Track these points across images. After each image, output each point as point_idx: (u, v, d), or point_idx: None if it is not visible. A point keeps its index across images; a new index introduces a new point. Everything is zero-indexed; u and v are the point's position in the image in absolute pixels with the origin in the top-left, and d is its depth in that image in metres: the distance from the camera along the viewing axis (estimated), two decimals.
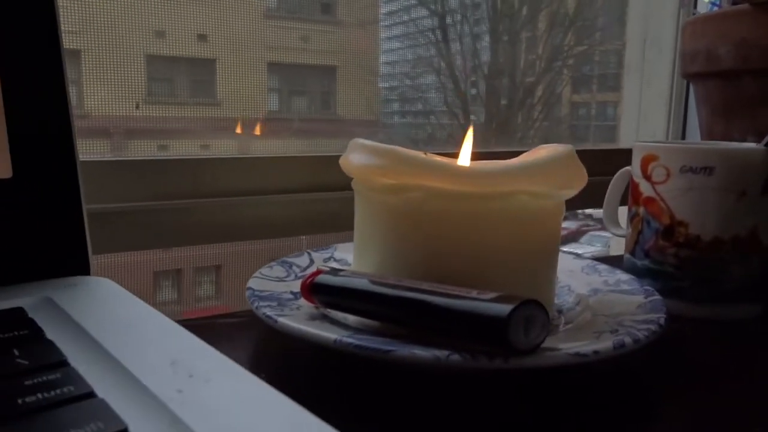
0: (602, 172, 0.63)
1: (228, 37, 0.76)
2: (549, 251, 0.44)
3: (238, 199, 0.64)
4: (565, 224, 1.70)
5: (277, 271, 0.48)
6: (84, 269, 0.40)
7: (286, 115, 0.88)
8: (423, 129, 1.09)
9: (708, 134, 0.70)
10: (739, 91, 0.65)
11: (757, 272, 0.51)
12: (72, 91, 0.70)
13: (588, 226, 1.52)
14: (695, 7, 0.91)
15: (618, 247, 0.59)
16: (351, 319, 0.40)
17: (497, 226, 0.41)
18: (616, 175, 0.61)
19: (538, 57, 1.13)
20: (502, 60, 1.09)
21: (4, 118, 0.37)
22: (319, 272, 0.41)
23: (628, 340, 0.36)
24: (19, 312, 0.32)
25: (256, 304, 0.40)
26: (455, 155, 0.46)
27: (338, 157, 0.45)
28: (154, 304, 0.81)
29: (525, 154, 0.45)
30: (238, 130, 0.78)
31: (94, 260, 0.69)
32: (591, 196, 0.63)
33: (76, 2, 0.63)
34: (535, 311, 0.33)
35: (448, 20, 1.05)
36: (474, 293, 0.34)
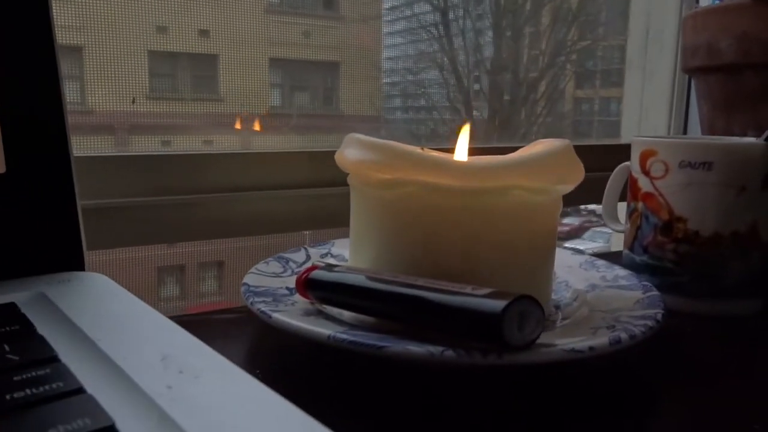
0: (603, 168, 0.62)
1: (230, 33, 0.75)
2: (546, 247, 0.44)
3: (238, 194, 0.64)
4: (567, 220, 1.71)
5: (273, 266, 0.48)
6: (78, 265, 0.40)
7: (288, 110, 0.87)
8: (425, 125, 1.09)
9: (709, 129, 0.70)
10: (740, 86, 0.64)
11: (757, 268, 0.51)
12: (75, 87, 0.71)
13: (590, 222, 1.52)
14: (697, 1, 0.90)
15: (619, 243, 0.59)
16: (346, 314, 0.40)
17: (493, 222, 0.40)
18: (615, 171, 0.61)
19: (541, 52, 1.13)
20: (505, 55, 1.09)
21: None
22: (314, 268, 0.41)
23: (624, 336, 0.35)
24: (12, 307, 0.32)
25: (251, 299, 0.40)
26: (453, 150, 0.46)
27: None
28: (158, 300, 0.82)
29: (522, 149, 0.45)
30: (240, 126, 0.78)
31: (97, 256, 0.70)
32: (592, 192, 0.63)
33: None
34: (529, 307, 0.33)
35: (451, 15, 1.05)
36: (468, 289, 0.34)
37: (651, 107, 1.06)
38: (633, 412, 0.36)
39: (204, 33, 0.75)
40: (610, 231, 0.64)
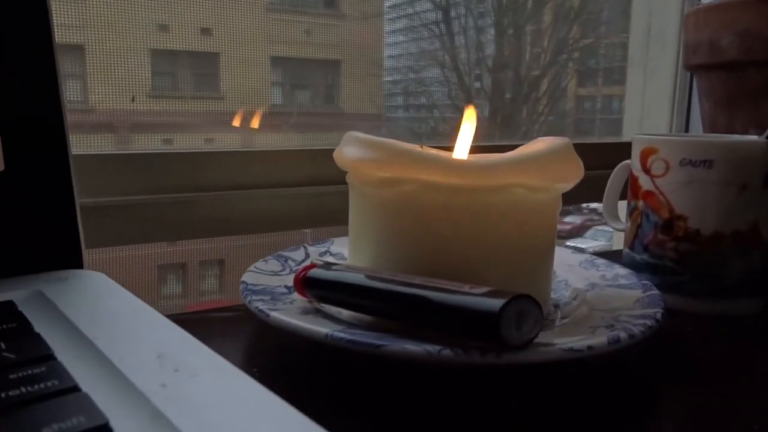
0: (605, 166, 0.62)
1: (231, 31, 0.75)
2: (545, 245, 0.44)
3: (238, 192, 0.64)
4: (569, 219, 1.70)
5: (272, 265, 0.48)
6: (77, 263, 0.40)
7: (289, 108, 0.87)
8: (426, 123, 1.09)
9: (710, 127, 0.70)
10: (742, 83, 0.64)
11: (758, 267, 0.51)
12: (76, 86, 0.71)
13: (593, 220, 1.51)
14: None
15: (621, 241, 0.59)
16: (345, 313, 0.40)
17: (492, 220, 0.40)
18: (615, 169, 0.61)
19: (543, 50, 1.12)
20: (506, 53, 1.09)
21: None
22: (312, 266, 0.41)
23: (623, 335, 0.35)
24: (9, 305, 0.32)
25: (249, 298, 0.40)
26: (453, 149, 0.46)
27: None
28: (159, 298, 0.82)
29: (522, 147, 0.45)
30: (241, 124, 0.78)
31: (98, 254, 0.70)
32: (593, 190, 0.63)
33: None
34: (527, 306, 0.33)
35: (453, 13, 1.04)
36: (466, 288, 0.34)
37: (653, 105, 1.06)
38: (633, 412, 0.36)
39: (205, 31, 0.75)
40: (612, 229, 0.64)
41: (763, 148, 0.49)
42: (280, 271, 0.47)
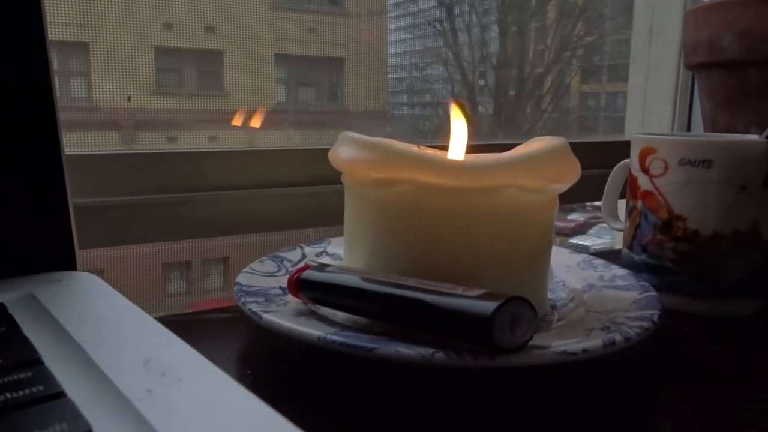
0: (606, 164, 0.62)
1: (236, 29, 0.75)
2: (541, 246, 0.43)
3: (237, 192, 0.63)
4: (572, 216, 1.70)
5: (268, 265, 0.48)
6: (70, 264, 0.40)
7: (293, 106, 0.87)
8: (431, 120, 1.09)
9: (711, 126, 0.69)
10: (742, 82, 0.64)
11: (758, 267, 0.51)
12: (81, 84, 0.71)
13: (596, 218, 1.51)
14: None
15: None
16: (340, 315, 0.40)
17: (487, 221, 0.40)
18: (615, 168, 0.60)
19: (547, 47, 1.12)
20: (510, 51, 1.09)
21: None
22: (306, 268, 0.41)
23: (618, 338, 0.35)
24: (0, 308, 0.32)
25: (242, 299, 0.40)
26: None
27: None
28: (163, 296, 0.82)
29: (519, 147, 0.45)
30: (245, 122, 0.78)
31: (102, 252, 0.70)
32: (595, 189, 0.63)
33: None
34: (521, 308, 0.33)
35: (456, 11, 1.04)
36: (460, 290, 0.34)
37: (655, 104, 1.05)
38: (630, 413, 0.36)
39: (210, 29, 0.75)
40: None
41: (763, 148, 0.49)
42: (276, 272, 0.47)
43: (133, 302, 0.67)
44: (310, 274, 0.40)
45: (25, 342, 0.28)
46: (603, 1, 1.14)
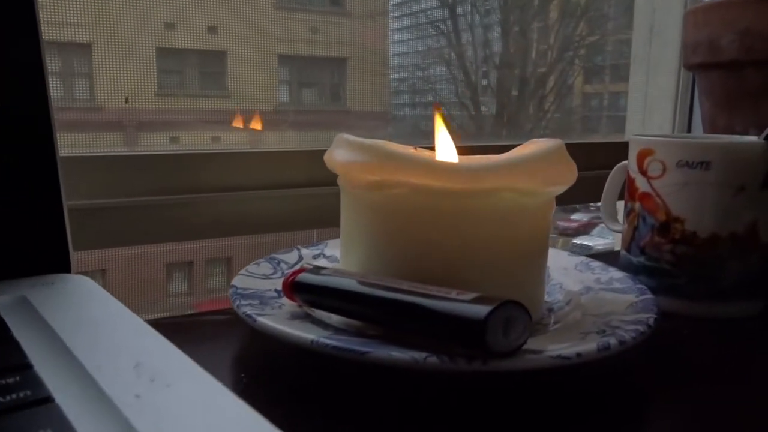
0: (606, 166, 0.62)
1: (238, 29, 0.76)
2: (537, 249, 0.43)
3: (237, 194, 0.63)
4: (575, 216, 1.70)
5: (264, 268, 0.48)
6: (65, 267, 0.40)
7: (296, 107, 0.87)
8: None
9: (710, 127, 0.69)
10: (741, 83, 0.63)
11: (756, 269, 0.50)
12: (84, 85, 0.71)
13: (599, 218, 1.51)
14: None
15: None
16: (335, 318, 0.40)
17: (482, 224, 0.40)
18: (613, 170, 0.60)
19: (550, 47, 1.12)
20: (513, 51, 1.08)
21: None
22: (300, 270, 0.41)
23: (613, 341, 0.35)
24: None
25: (237, 302, 0.40)
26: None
27: None
28: (167, 296, 0.82)
29: (515, 149, 0.44)
30: (248, 123, 0.78)
31: (105, 252, 0.70)
32: (595, 190, 0.63)
33: None
34: (515, 312, 0.33)
35: (459, 11, 1.04)
36: (453, 294, 0.34)
37: (656, 104, 1.05)
38: (628, 415, 0.36)
39: (212, 29, 0.76)
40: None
41: (761, 150, 0.49)
42: (272, 274, 0.47)
43: (136, 302, 0.67)
44: (305, 277, 0.40)
45: (16, 346, 0.28)
46: (605, 1, 1.14)
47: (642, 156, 0.52)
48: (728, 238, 0.49)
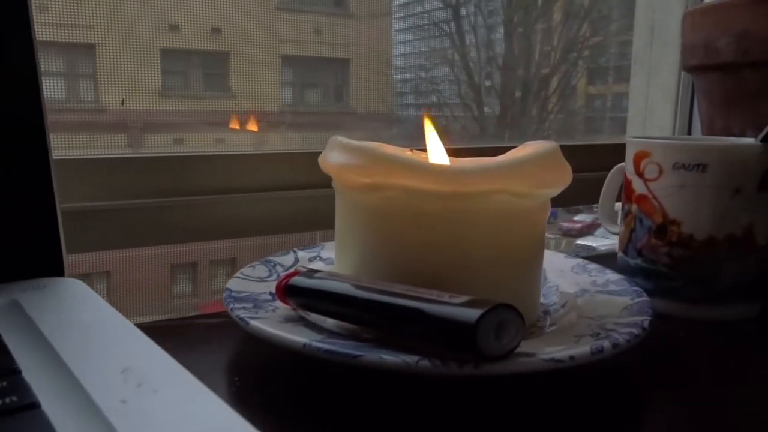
0: (606, 167, 0.62)
1: (242, 31, 0.76)
2: (532, 251, 0.43)
3: (236, 196, 0.64)
4: (579, 217, 1.69)
5: (260, 270, 0.48)
6: (58, 270, 0.40)
7: (299, 108, 0.88)
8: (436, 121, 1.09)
9: (708, 128, 0.69)
10: (739, 85, 0.63)
11: (753, 272, 0.50)
12: (88, 86, 0.71)
13: None
14: None
15: None
16: (329, 321, 0.40)
17: (476, 227, 0.40)
18: (611, 172, 0.60)
19: (553, 48, 1.12)
20: (516, 52, 1.08)
21: None
22: (294, 274, 0.41)
23: (606, 345, 0.35)
24: None
25: (231, 305, 0.40)
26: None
27: None
28: (171, 298, 0.82)
29: (510, 151, 0.44)
30: (252, 124, 0.78)
31: (108, 254, 0.70)
32: (594, 192, 0.63)
33: None
34: (507, 315, 0.33)
35: (462, 12, 1.04)
36: (446, 297, 0.34)
37: (656, 106, 1.05)
38: (624, 418, 0.36)
39: (216, 31, 0.76)
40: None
41: (758, 151, 0.49)
42: (267, 277, 0.47)
43: (141, 304, 0.67)
44: (298, 281, 0.40)
45: (5, 351, 0.28)
46: (608, 3, 1.14)
47: (639, 158, 0.52)
48: (725, 241, 0.49)
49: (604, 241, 1.47)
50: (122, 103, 0.69)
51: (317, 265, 0.51)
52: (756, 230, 0.50)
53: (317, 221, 0.67)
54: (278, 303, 0.42)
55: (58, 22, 0.62)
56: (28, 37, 0.38)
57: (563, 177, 0.42)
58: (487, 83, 1.07)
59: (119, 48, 0.68)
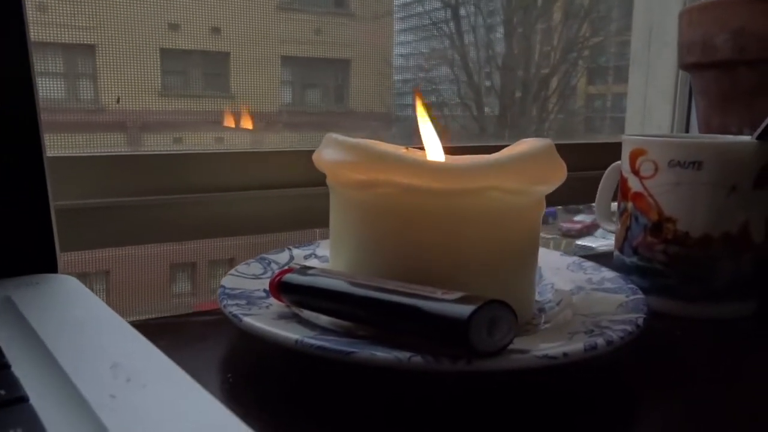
0: (605, 166, 0.61)
1: (241, 30, 0.76)
2: (526, 249, 0.43)
3: (231, 194, 0.64)
4: (579, 218, 1.69)
5: (254, 268, 0.48)
6: (51, 267, 0.40)
7: (299, 108, 0.88)
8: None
9: (705, 126, 0.69)
10: (735, 82, 0.63)
11: (749, 270, 0.50)
12: (88, 86, 0.71)
13: None
14: None
15: None
16: (323, 318, 0.40)
17: (470, 223, 0.40)
18: (607, 170, 0.60)
19: (553, 48, 1.12)
20: (516, 52, 1.08)
21: None
22: (288, 270, 0.41)
23: (600, 341, 0.35)
24: None
25: (224, 302, 0.40)
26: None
27: None
28: (170, 297, 0.82)
29: (505, 149, 0.44)
30: (251, 123, 0.78)
31: (107, 253, 0.70)
32: (591, 191, 0.63)
33: None
34: (500, 312, 0.33)
35: (462, 12, 1.04)
36: (439, 293, 0.34)
37: (655, 104, 1.05)
38: (619, 416, 0.36)
39: (216, 30, 0.76)
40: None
41: (753, 149, 0.49)
42: (262, 274, 0.47)
43: (140, 303, 0.67)
44: (292, 277, 0.40)
45: None
46: (608, 3, 1.14)
47: (634, 156, 0.52)
48: (720, 239, 0.49)
49: (604, 241, 1.46)
50: (118, 101, 0.69)
51: (312, 263, 0.51)
52: (751, 228, 0.49)
53: (314, 219, 0.67)
54: (272, 300, 0.42)
55: (58, 22, 0.63)
56: (21, 32, 0.38)
57: (557, 173, 0.42)
58: (487, 83, 1.07)
59: (119, 48, 0.68)
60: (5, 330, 0.30)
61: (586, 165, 0.55)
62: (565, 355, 0.33)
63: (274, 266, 0.49)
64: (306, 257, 0.52)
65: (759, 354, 0.46)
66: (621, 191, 0.54)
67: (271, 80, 0.81)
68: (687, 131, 1.00)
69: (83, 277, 0.40)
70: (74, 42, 0.66)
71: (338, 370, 0.37)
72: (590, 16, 1.13)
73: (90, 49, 0.69)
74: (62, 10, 0.62)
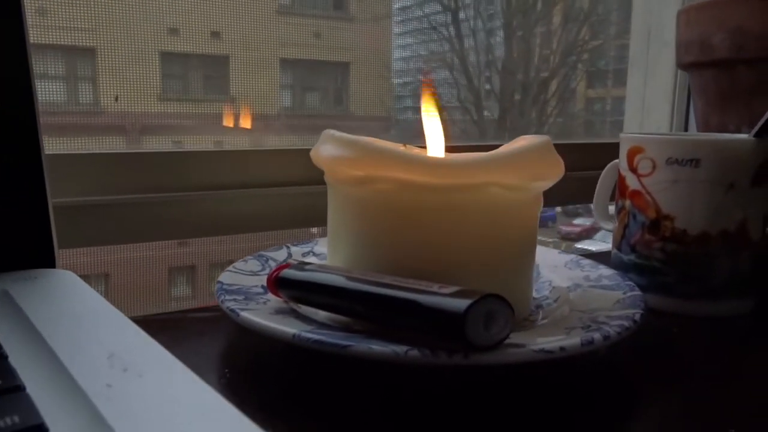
0: (601, 166, 0.62)
1: (241, 34, 0.76)
2: (524, 245, 0.43)
3: (234, 192, 0.64)
4: (578, 221, 1.69)
5: (252, 265, 0.48)
6: (49, 262, 0.40)
7: (298, 111, 0.88)
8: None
9: (704, 125, 0.69)
10: (733, 81, 0.63)
11: (747, 268, 0.50)
12: (87, 89, 0.71)
13: None
14: None
15: None
16: (321, 313, 0.40)
17: (468, 219, 0.40)
18: (605, 169, 0.60)
19: (553, 52, 1.12)
20: (515, 55, 1.09)
21: None
22: (285, 266, 0.41)
23: (597, 336, 0.35)
24: None
25: (222, 297, 0.40)
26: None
27: None
28: (170, 300, 0.82)
29: (503, 146, 0.44)
30: (251, 127, 0.78)
31: (107, 255, 0.70)
32: (590, 190, 0.63)
33: (90, 0, 0.64)
34: (496, 306, 0.33)
35: (462, 15, 1.04)
36: (435, 287, 0.34)
37: (653, 104, 1.05)
38: (616, 412, 0.36)
39: (215, 34, 0.76)
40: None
41: (751, 147, 0.49)
42: (260, 270, 0.47)
43: (140, 306, 0.66)
44: (289, 273, 0.40)
45: None
46: (608, 6, 1.14)
47: (632, 153, 0.52)
48: (718, 236, 0.49)
49: (603, 245, 1.47)
50: (116, 99, 0.69)
51: (310, 260, 0.51)
52: (749, 225, 0.49)
53: (314, 217, 0.67)
54: (270, 296, 0.42)
55: (58, 25, 0.63)
56: (21, 36, 0.38)
57: (555, 170, 0.42)
58: (487, 87, 1.07)
59: (119, 51, 0.68)
60: (2, 322, 0.30)
61: (585, 165, 0.55)
62: (561, 349, 0.33)
63: (271, 263, 0.49)
64: (304, 254, 0.52)
65: (756, 351, 0.46)
66: (619, 189, 0.54)
67: (271, 84, 0.82)
68: (686, 131, 1.00)
69: (82, 280, 0.40)
70: (74, 45, 0.67)
71: (335, 364, 0.37)
72: (590, 19, 1.13)
73: (90, 53, 0.69)
74: (62, 13, 0.62)
